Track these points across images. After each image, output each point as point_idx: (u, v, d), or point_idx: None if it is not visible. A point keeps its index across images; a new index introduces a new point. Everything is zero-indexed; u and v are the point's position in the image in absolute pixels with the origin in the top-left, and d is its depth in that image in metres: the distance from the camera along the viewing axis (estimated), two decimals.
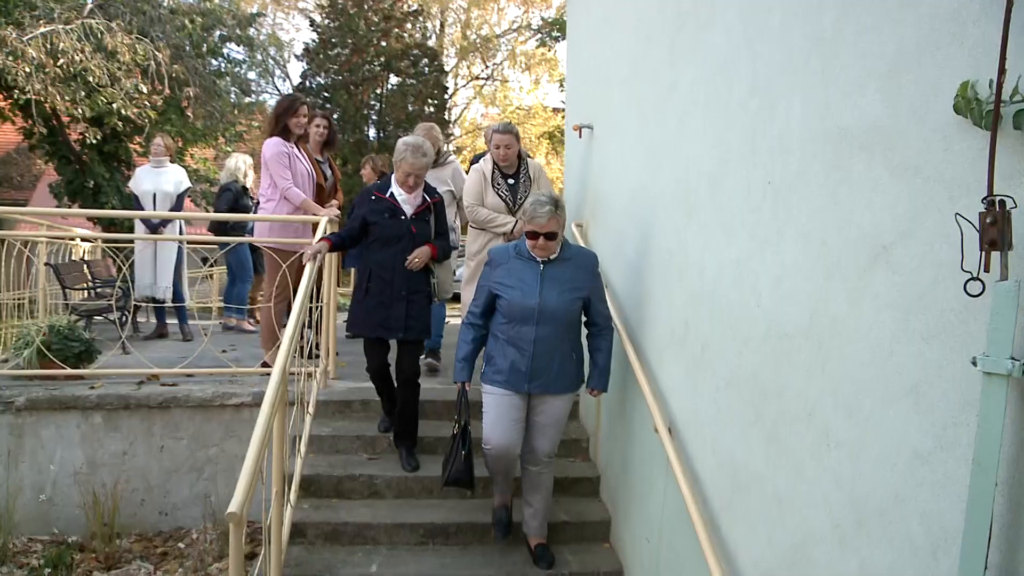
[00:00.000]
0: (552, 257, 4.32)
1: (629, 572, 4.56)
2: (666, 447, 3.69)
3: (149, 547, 5.78)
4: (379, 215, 5.12)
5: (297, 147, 6.57)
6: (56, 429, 5.90)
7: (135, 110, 12.44)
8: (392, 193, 5.14)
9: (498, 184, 6.06)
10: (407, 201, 5.14)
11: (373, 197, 5.17)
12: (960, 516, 1.78)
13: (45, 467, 5.89)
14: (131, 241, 8.54)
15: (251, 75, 24.51)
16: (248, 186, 9.00)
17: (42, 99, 11.56)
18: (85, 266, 9.66)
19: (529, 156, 6.51)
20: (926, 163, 2.00)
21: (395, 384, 5.34)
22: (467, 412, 4.48)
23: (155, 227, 8.11)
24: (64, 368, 6.16)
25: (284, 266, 6.31)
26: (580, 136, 6.50)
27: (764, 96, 3.00)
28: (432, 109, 24.09)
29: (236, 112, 15.96)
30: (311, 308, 5.67)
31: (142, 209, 8.17)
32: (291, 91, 24.62)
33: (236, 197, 8.82)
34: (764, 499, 2.85)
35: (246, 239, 7.68)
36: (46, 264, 8.23)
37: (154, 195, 8.18)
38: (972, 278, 1.74)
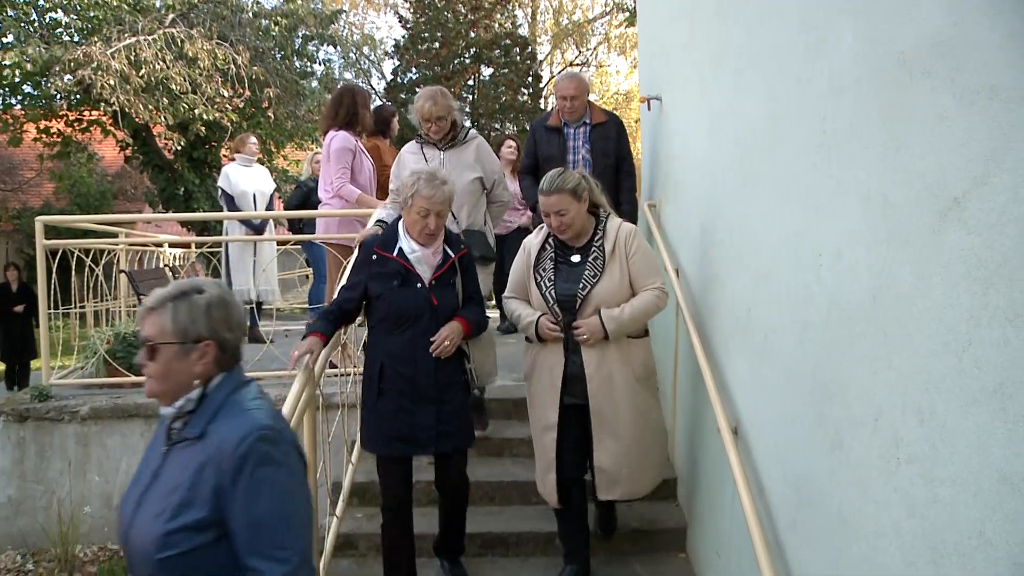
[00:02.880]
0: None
1: None
2: (728, 451, 3.19)
3: None
4: (385, 283, 3.69)
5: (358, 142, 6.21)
6: (121, 438, 5.79)
7: (216, 114, 12.49)
8: (401, 249, 3.73)
9: (544, 268, 3.93)
10: (423, 260, 3.70)
11: (374, 256, 3.74)
12: None
13: (112, 476, 5.79)
14: (219, 244, 8.47)
15: (347, 75, 24.84)
16: None
17: (127, 110, 11.69)
18: (169, 272, 9.67)
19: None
20: (1003, 81, 1.48)
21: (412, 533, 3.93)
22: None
23: (259, 228, 7.96)
24: (128, 376, 6.05)
25: (344, 263, 6.00)
26: (649, 109, 6.02)
27: (813, 31, 2.50)
28: (526, 98, 23.69)
29: (323, 111, 15.98)
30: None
31: (235, 209, 7.88)
32: (384, 88, 24.64)
33: (308, 193, 8.62)
34: (828, 519, 2.34)
35: (306, 236, 7.44)
36: (121, 271, 8.22)
37: (254, 195, 8.00)
38: None
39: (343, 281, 4.09)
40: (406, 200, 3.69)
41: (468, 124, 4.64)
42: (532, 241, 4.03)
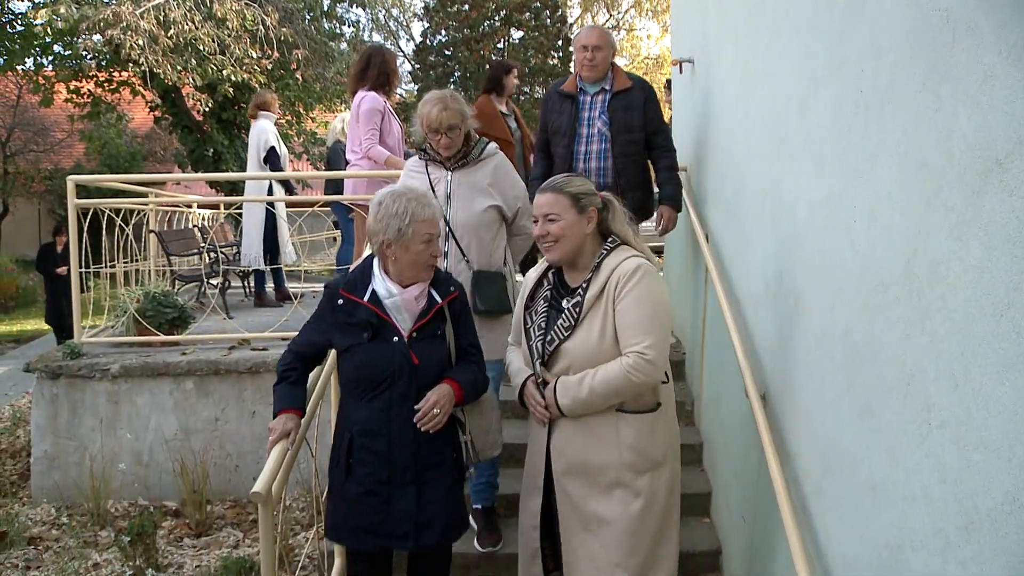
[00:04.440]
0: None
1: (726, 553, 4.08)
2: (756, 416, 3.17)
3: (242, 513, 5.68)
4: (353, 336, 2.92)
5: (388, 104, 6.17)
6: (151, 396, 5.86)
7: (245, 75, 12.48)
8: (374, 291, 2.94)
9: (537, 310, 3.10)
10: (402, 306, 2.92)
11: (340, 302, 2.97)
12: None
13: (142, 434, 5.87)
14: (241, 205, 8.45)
15: (376, 36, 24.71)
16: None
17: (156, 70, 11.71)
18: (198, 232, 9.74)
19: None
20: None
21: None
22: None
23: (292, 188, 7.93)
24: (157, 335, 6.11)
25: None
26: (681, 71, 5.94)
27: None
28: (556, 62, 23.45)
29: (350, 72, 15.93)
30: None
31: (279, 167, 7.70)
32: (412, 50, 24.52)
33: (341, 155, 8.60)
34: (856, 485, 2.33)
35: (334, 197, 7.42)
36: (150, 231, 8.29)
37: (282, 156, 7.92)
38: None
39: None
40: (400, 232, 2.84)
41: (484, 139, 4.00)
42: (531, 273, 3.21)
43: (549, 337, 2.90)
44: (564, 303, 2.93)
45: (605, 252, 2.91)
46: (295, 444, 2.86)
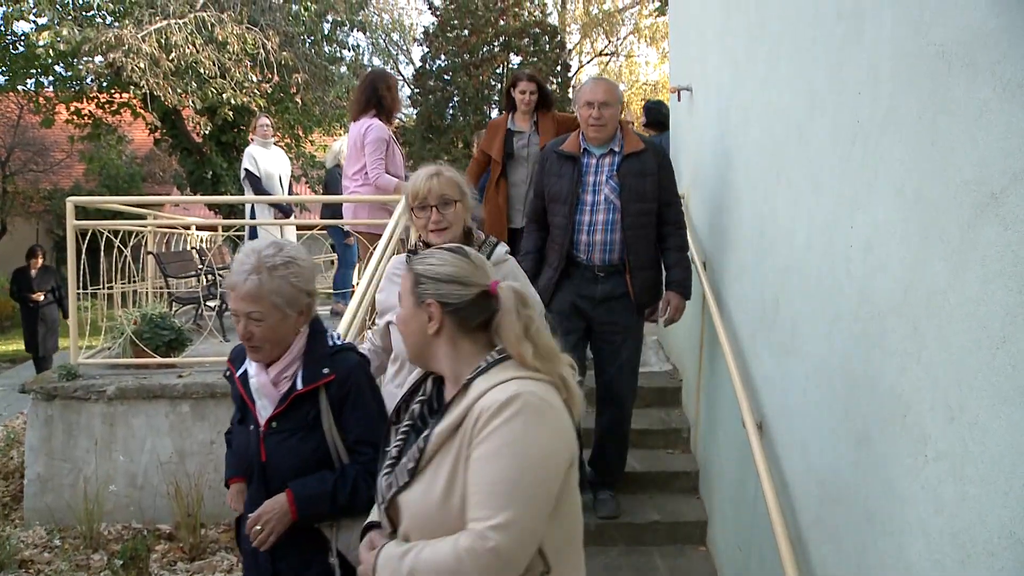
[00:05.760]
0: None
1: None
2: (752, 445, 3.17)
3: (236, 538, 5.64)
4: (234, 418, 2.59)
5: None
6: (146, 418, 5.83)
7: (245, 99, 12.54)
8: (246, 370, 2.49)
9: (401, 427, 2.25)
10: (261, 390, 2.41)
11: (227, 372, 2.61)
12: None
13: (137, 456, 5.84)
14: (244, 228, 8.45)
15: (375, 61, 24.83)
16: None
17: (157, 93, 11.76)
18: (196, 254, 9.74)
19: None
20: None
21: None
22: None
23: (287, 211, 7.96)
24: (154, 357, 6.10)
25: (372, 249, 6.01)
26: (679, 99, 5.97)
27: (851, 18, 2.45)
28: (554, 87, 23.55)
29: (351, 97, 16.01)
30: None
31: (262, 190, 7.72)
32: (412, 74, 24.63)
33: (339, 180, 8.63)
34: (853, 515, 2.32)
35: (334, 221, 7.42)
36: (148, 253, 8.29)
37: (280, 177, 7.97)
38: None
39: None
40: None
41: (492, 239, 3.03)
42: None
43: (391, 478, 1.89)
44: (428, 428, 1.87)
45: (482, 367, 1.82)
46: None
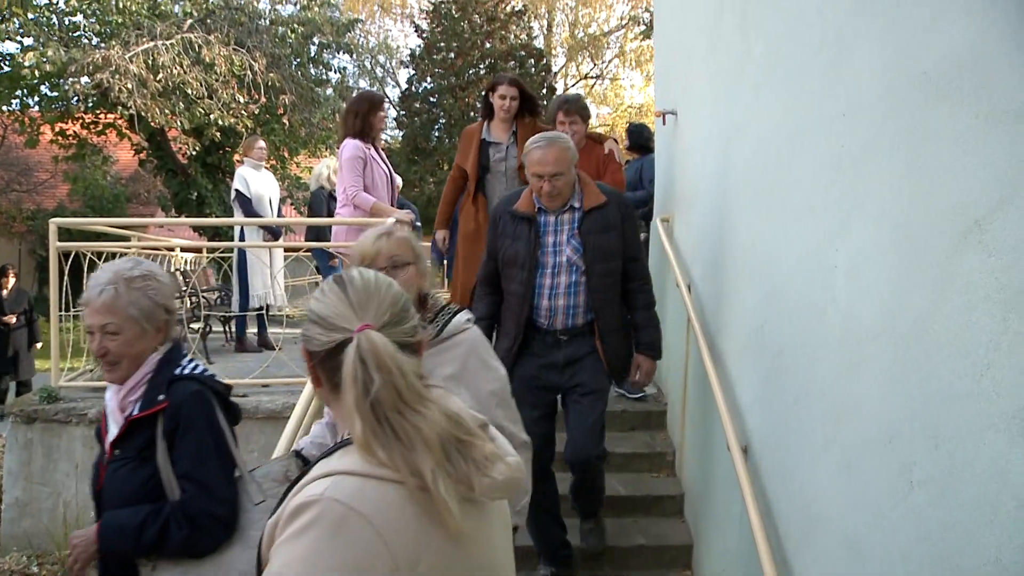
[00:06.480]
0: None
1: None
2: (738, 469, 3.16)
3: None
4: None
5: (375, 148, 6.18)
6: None
7: (232, 120, 12.54)
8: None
9: None
10: (111, 412, 2.28)
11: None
12: None
13: None
14: (230, 250, 8.41)
15: (361, 83, 24.89)
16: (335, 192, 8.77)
17: (143, 113, 11.74)
18: (180, 276, 9.68)
19: None
20: None
21: None
22: None
23: (277, 233, 7.94)
24: None
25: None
26: (664, 123, 6.00)
27: (834, 47, 2.48)
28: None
29: (337, 119, 16.02)
30: None
31: (252, 211, 7.67)
32: (398, 97, 24.70)
33: (325, 200, 8.61)
34: (838, 541, 2.32)
35: (319, 244, 7.39)
36: None
37: (270, 200, 7.95)
38: None
39: None
40: None
41: (453, 307, 2.63)
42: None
43: None
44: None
45: (337, 443, 1.44)
46: None
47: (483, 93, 5.48)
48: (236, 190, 7.65)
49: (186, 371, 2.29)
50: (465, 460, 1.33)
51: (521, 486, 1.40)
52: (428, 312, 2.49)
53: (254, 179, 7.79)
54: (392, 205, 6.19)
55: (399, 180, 6.63)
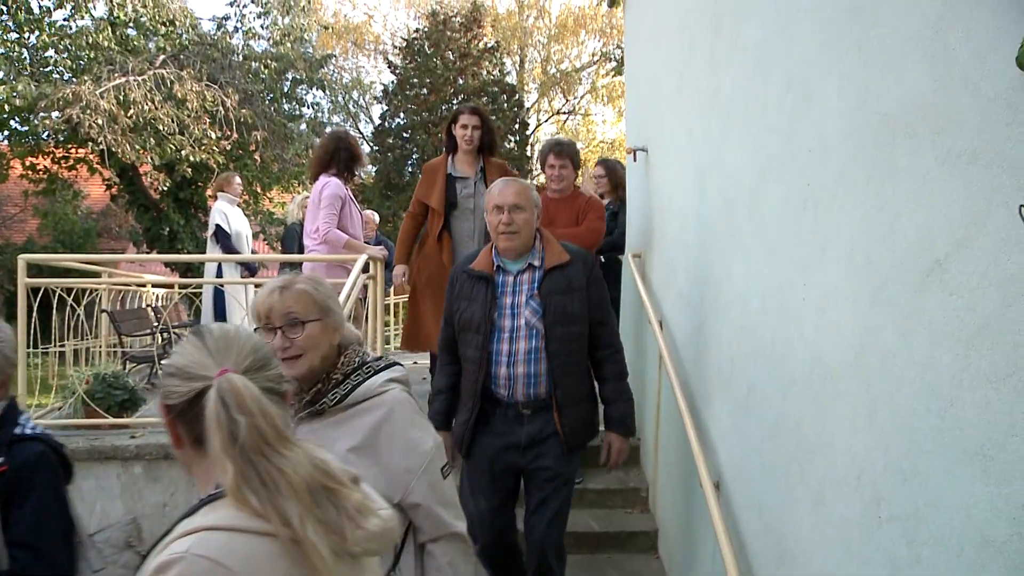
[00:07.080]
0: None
1: None
2: (710, 505, 3.16)
3: None
4: None
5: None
6: (96, 481, 5.67)
7: (204, 155, 12.55)
8: None
9: None
10: None
11: None
12: None
13: (86, 519, 5.63)
14: (200, 285, 8.37)
15: (335, 118, 24.96)
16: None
17: (114, 149, 11.72)
18: (152, 312, 9.59)
19: None
20: (985, 145, 1.50)
21: None
22: None
23: (254, 270, 7.93)
24: (107, 417, 5.97)
25: None
26: (635, 160, 6.07)
27: (800, 89, 2.53)
28: (512, 146, 23.83)
29: (310, 154, 16.09)
30: None
31: (231, 247, 7.69)
32: (371, 132, 24.73)
33: (297, 236, 8.62)
34: None
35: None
36: (103, 311, 8.16)
37: (246, 236, 7.97)
38: None
39: None
40: None
41: (372, 354, 2.32)
42: None
43: None
44: None
45: (200, 501, 1.35)
46: None
47: (447, 127, 5.35)
48: (217, 225, 7.64)
49: (27, 430, 2.16)
50: (336, 509, 1.28)
51: (395, 540, 1.39)
52: (336, 372, 2.17)
53: (233, 215, 7.79)
54: (368, 242, 6.21)
55: (376, 216, 6.66)
